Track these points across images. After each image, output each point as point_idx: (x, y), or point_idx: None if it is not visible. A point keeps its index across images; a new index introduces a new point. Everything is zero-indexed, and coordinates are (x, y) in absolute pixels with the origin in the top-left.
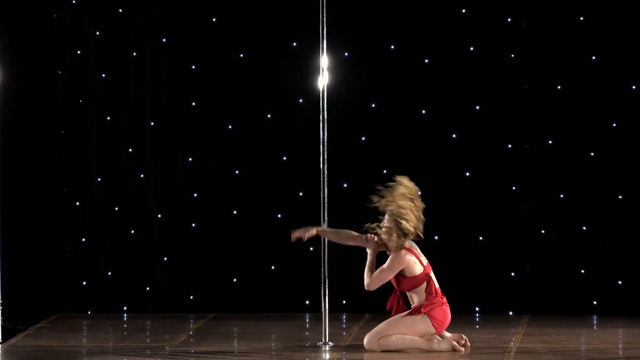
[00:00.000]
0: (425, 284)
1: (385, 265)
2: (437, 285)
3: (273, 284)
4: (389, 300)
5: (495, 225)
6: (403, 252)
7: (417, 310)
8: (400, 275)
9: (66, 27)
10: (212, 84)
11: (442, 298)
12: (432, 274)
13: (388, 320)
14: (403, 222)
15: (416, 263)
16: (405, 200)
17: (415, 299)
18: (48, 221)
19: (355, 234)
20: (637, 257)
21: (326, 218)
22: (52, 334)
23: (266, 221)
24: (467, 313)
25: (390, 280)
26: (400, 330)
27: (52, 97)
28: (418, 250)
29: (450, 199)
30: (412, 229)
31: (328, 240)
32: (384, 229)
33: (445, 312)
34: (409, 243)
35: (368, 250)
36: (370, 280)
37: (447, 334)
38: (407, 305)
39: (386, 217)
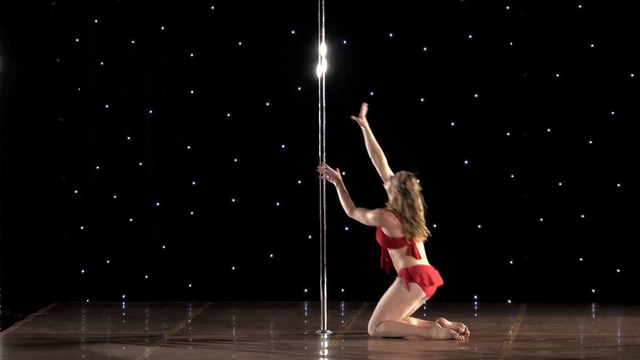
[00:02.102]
0: (406, 248)
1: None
2: (422, 253)
3: (272, 272)
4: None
5: (493, 213)
6: (388, 212)
7: (402, 275)
8: (383, 233)
9: (65, 15)
10: (211, 72)
11: (427, 265)
12: (417, 246)
13: (381, 303)
14: (409, 192)
15: (397, 227)
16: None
17: (400, 263)
18: (48, 209)
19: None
20: (636, 245)
21: (325, 206)
22: (51, 322)
23: (265, 209)
24: (466, 301)
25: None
26: (394, 308)
27: (51, 85)
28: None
29: (448, 187)
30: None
31: (326, 229)
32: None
33: (428, 272)
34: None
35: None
36: (351, 211)
37: (447, 322)
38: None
39: (394, 187)
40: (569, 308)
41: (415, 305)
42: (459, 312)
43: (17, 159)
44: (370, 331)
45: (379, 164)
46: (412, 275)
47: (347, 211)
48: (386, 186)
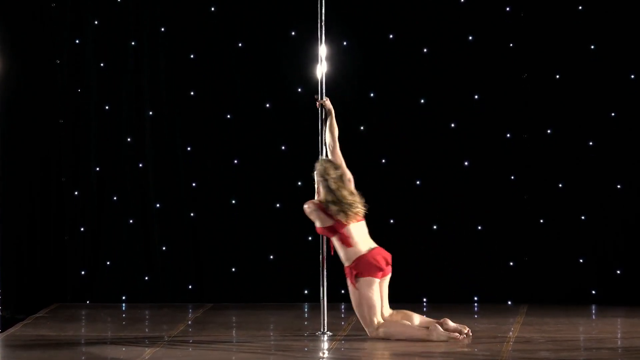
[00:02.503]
0: (338, 237)
1: None
2: (358, 236)
3: (272, 273)
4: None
5: (493, 214)
6: (313, 204)
7: (347, 276)
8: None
9: (65, 15)
10: (211, 74)
11: (367, 253)
12: (347, 230)
13: (355, 310)
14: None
15: (322, 217)
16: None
17: (341, 254)
18: (48, 211)
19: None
20: (636, 246)
21: None
22: (51, 324)
23: (265, 211)
24: (466, 302)
25: None
26: (368, 305)
27: (51, 87)
28: (357, 229)
29: (448, 189)
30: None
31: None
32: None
33: (370, 261)
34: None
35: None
36: None
37: (451, 324)
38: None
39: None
40: (569, 309)
41: (379, 287)
42: (459, 313)
43: (17, 159)
44: (370, 334)
45: (331, 146)
46: (356, 273)
47: None
48: None
